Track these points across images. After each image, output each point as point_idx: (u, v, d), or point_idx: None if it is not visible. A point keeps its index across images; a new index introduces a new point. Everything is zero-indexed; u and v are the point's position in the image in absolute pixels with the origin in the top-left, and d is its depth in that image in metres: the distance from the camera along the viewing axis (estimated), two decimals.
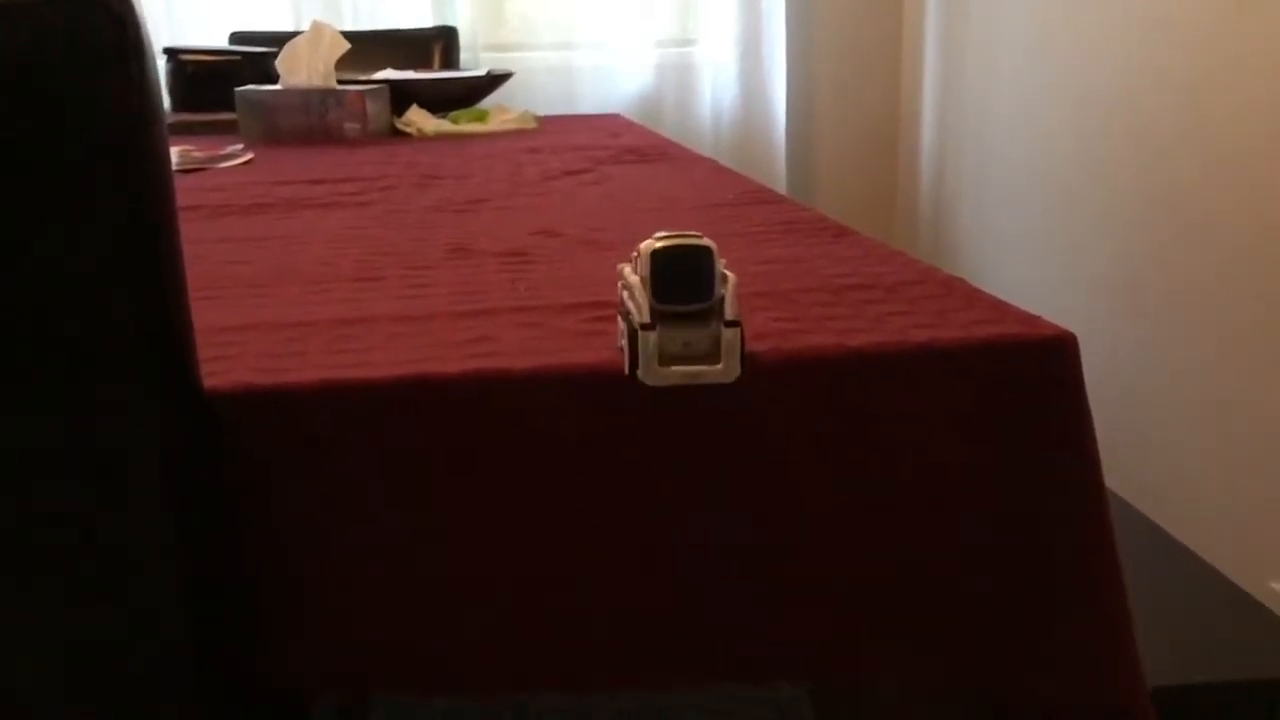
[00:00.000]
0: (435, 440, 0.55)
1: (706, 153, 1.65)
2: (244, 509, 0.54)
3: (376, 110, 1.75)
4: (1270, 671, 0.87)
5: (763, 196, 1.07)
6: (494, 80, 1.93)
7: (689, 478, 0.57)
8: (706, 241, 0.53)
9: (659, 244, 0.53)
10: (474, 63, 2.48)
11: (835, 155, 2.77)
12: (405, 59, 2.18)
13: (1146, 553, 1.10)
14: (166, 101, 2.01)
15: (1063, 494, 0.59)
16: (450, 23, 2.47)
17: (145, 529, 0.50)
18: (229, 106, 1.78)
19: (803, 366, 0.57)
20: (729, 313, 0.53)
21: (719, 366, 0.53)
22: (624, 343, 0.55)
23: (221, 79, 1.89)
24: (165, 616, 0.51)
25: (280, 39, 1.84)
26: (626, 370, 0.53)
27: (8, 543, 0.48)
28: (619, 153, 1.50)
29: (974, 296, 0.67)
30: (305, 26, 1.84)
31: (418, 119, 1.80)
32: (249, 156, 1.52)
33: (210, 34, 2.41)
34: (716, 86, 2.62)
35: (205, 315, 0.67)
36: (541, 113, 2.08)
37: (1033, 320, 0.61)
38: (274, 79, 1.79)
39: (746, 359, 0.54)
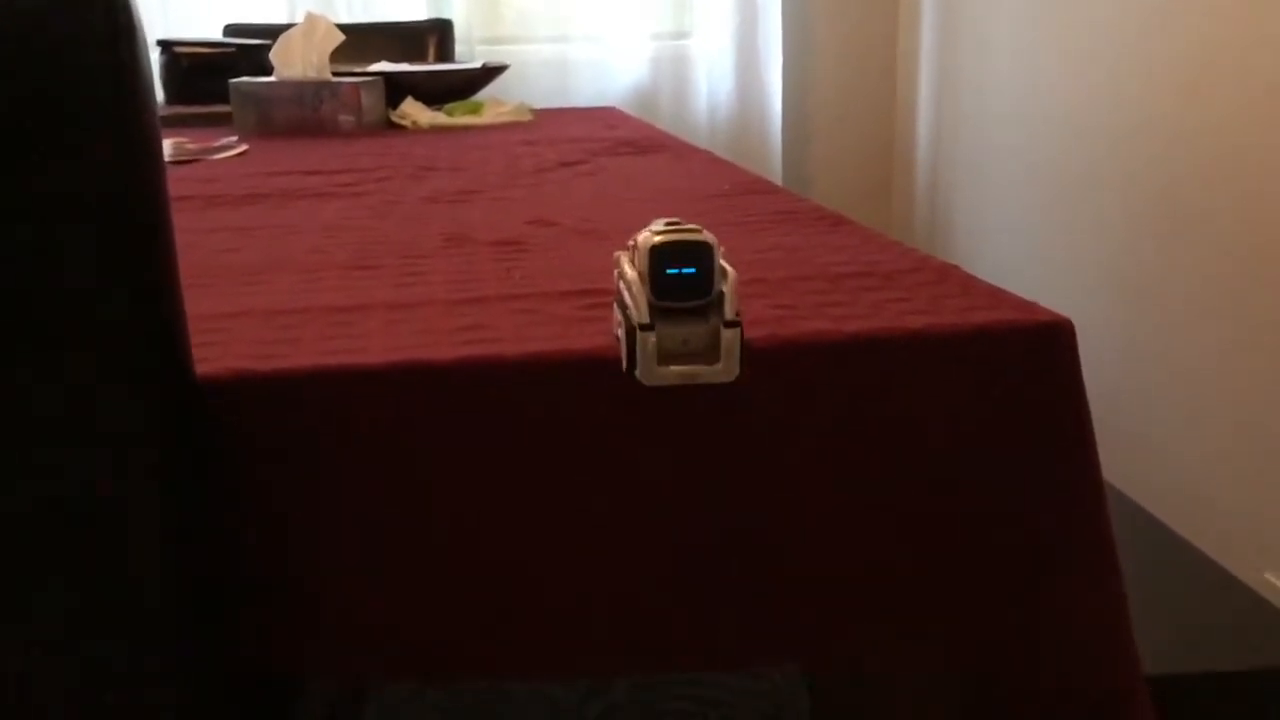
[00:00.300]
0: (430, 426, 0.54)
1: (702, 146, 1.65)
2: (236, 496, 0.54)
3: (371, 102, 1.74)
4: (1266, 661, 0.87)
5: (759, 187, 1.07)
6: (489, 73, 1.92)
7: (684, 463, 0.57)
8: (706, 236, 0.52)
9: (658, 238, 0.52)
10: (469, 55, 2.47)
11: (831, 148, 2.77)
12: (400, 51, 2.17)
13: (1141, 543, 1.10)
14: (161, 94, 2.00)
15: (1059, 479, 0.59)
16: (445, 15, 2.46)
17: (135, 515, 0.49)
18: (223, 99, 1.77)
19: (799, 352, 0.57)
20: (729, 311, 0.52)
21: (718, 366, 0.52)
22: (620, 332, 0.54)
23: (216, 71, 1.89)
24: (155, 603, 0.51)
25: (275, 31, 1.84)
26: (624, 366, 0.53)
27: None
28: (614, 144, 1.50)
29: (970, 283, 0.66)
30: (299, 18, 1.83)
31: (412, 111, 1.79)
32: (243, 148, 1.51)
33: (204, 26, 2.40)
34: (712, 79, 2.62)
35: (197, 303, 0.67)
36: (537, 106, 2.08)
37: (1029, 306, 0.61)
38: (268, 71, 1.79)
39: (745, 357, 0.53)
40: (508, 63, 1.99)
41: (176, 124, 1.84)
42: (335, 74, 1.76)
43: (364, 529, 0.55)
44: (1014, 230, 2.29)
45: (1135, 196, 1.87)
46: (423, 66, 2.03)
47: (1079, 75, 2.04)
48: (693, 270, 0.51)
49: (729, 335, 0.52)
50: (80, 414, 0.47)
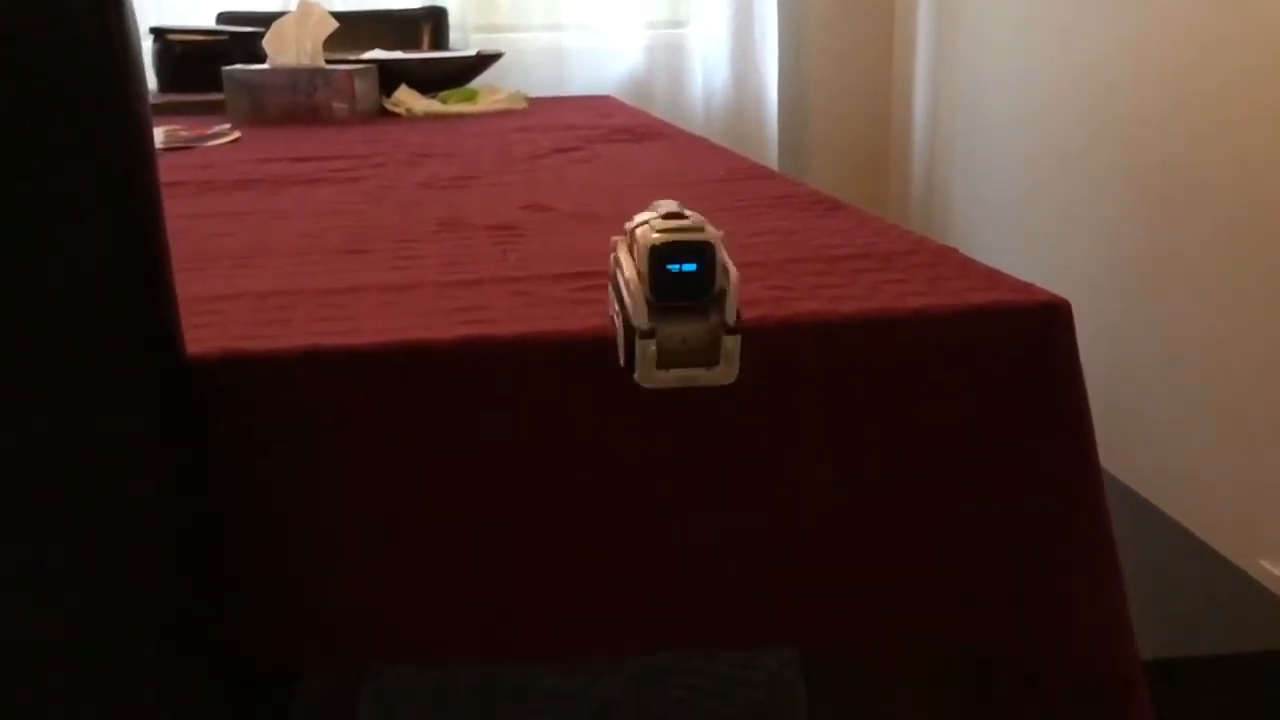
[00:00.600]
0: (424, 407, 0.54)
1: (698, 134, 1.65)
2: (228, 477, 0.54)
3: (365, 90, 1.74)
4: (1261, 644, 0.87)
5: (754, 172, 1.06)
6: (483, 60, 1.91)
7: (681, 445, 0.56)
8: (708, 235, 0.50)
9: (657, 236, 0.50)
10: (463, 43, 2.46)
11: (827, 136, 2.76)
12: (394, 39, 2.16)
13: (1136, 527, 1.10)
14: (153, 82, 1.99)
15: (1056, 461, 0.58)
16: (440, 3, 2.45)
17: (126, 496, 0.49)
18: (216, 87, 1.76)
19: (794, 333, 0.57)
20: (730, 315, 0.50)
21: (717, 369, 0.51)
22: (617, 322, 0.53)
23: (209, 59, 1.88)
24: (147, 585, 0.50)
25: (268, 18, 1.83)
26: (621, 361, 0.52)
27: None
28: (609, 132, 1.49)
29: (968, 265, 0.66)
30: (293, 6, 1.82)
31: (406, 99, 1.78)
32: (236, 135, 1.50)
33: (198, 14, 2.39)
34: (708, 68, 2.61)
35: (189, 286, 0.66)
36: (532, 94, 2.07)
37: (1027, 287, 0.61)
38: (262, 59, 1.78)
39: (744, 356, 0.52)
40: (502, 50, 1.99)
41: (170, 112, 1.83)
42: (329, 61, 1.75)
43: (357, 510, 0.54)
44: (1010, 215, 2.29)
45: (1132, 179, 1.86)
46: (417, 54, 2.02)
47: (1075, 57, 2.03)
48: (694, 268, 0.50)
49: (729, 342, 0.51)
50: (65, 393, 0.47)
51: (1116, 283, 1.89)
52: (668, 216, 0.52)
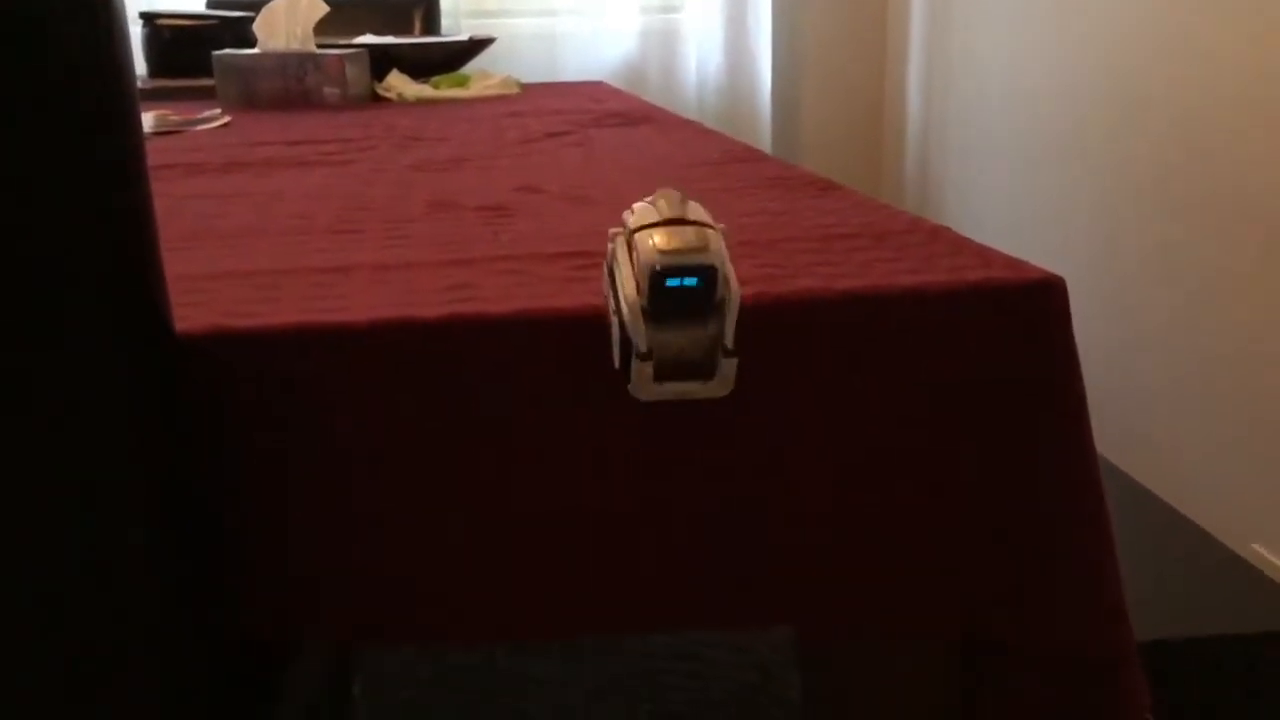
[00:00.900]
0: (416, 385, 0.54)
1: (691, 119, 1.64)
2: (218, 454, 0.53)
3: (356, 74, 1.73)
4: (1253, 626, 0.87)
5: (749, 155, 1.06)
6: (475, 45, 1.90)
7: (674, 422, 0.56)
8: (711, 255, 0.48)
9: (660, 258, 0.47)
10: (455, 29, 2.45)
11: (821, 122, 2.76)
12: (385, 24, 2.15)
13: (1129, 511, 1.11)
14: (143, 67, 1.98)
15: (1051, 438, 0.58)
16: None
17: (115, 474, 0.48)
18: (206, 72, 1.75)
19: (788, 311, 0.56)
20: (728, 338, 0.49)
21: (712, 383, 0.50)
22: (612, 317, 0.51)
23: (199, 43, 1.86)
24: (136, 564, 0.50)
25: (258, 3, 1.81)
26: (616, 364, 0.51)
27: None
28: (602, 116, 1.48)
29: (962, 244, 0.66)
30: None
31: (398, 84, 1.77)
32: (226, 120, 1.49)
33: None
34: (701, 53, 2.60)
35: (178, 266, 0.66)
36: (524, 80, 2.06)
37: (1021, 265, 0.60)
38: (252, 43, 1.77)
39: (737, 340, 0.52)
40: (494, 36, 1.98)
41: (159, 97, 1.81)
42: (319, 46, 1.74)
43: (348, 487, 0.54)
44: (1004, 200, 2.29)
45: (1126, 163, 1.86)
46: (409, 39, 2.01)
47: (1070, 41, 2.03)
48: (694, 282, 0.48)
49: (727, 365, 0.50)
50: (53, 370, 0.46)
51: (1111, 267, 1.89)
52: (670, 222, 0.49)
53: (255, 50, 1.74)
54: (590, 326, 0.55)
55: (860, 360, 0.57)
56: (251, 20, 1.76)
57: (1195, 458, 1.66)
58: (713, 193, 0.86)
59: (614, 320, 0.51)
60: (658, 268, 0.47)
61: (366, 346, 0.53)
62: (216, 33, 1.90)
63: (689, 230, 0.49)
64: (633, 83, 2.54)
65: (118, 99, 0.47)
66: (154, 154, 1.18)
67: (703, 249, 0.48)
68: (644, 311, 0.48)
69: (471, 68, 1.94)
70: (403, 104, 1.72)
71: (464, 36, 1.95)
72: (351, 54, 1.72)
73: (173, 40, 1.93)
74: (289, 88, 1.70)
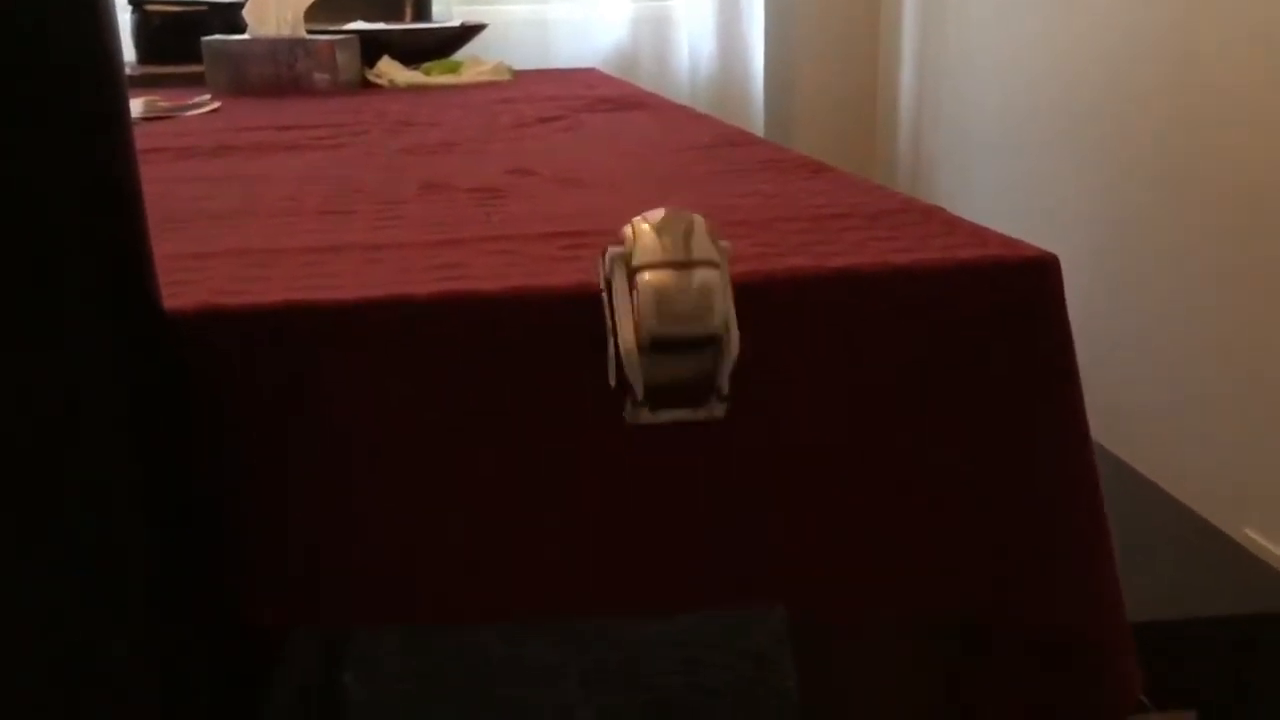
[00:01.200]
0: (406, 363, 0.53)
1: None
2: (207, 434, 0.53)
3: (346, 60, 1.72)
4: (1246, 607, 0.87)
5: (741, 138, 1.06)
6: (467, 31, 1.90)
7: None
8: (714, 322, 0.47)
9: (658, 325, 0.47)
10: (447, 15, 2.43)
11: (814, 109, 2.75)
12: (377, 10, 2.14)
13: (1121, 494, 1.11)
14: (132, 54, 1.97)
15: (1046, 417, 0.58)
16: None
17: (102, 454, 0.48)
18: (195, 58, 1.74)
19: (780, 289, 0.56)
20: (723, 383, 0.49)
21: (704, 410, 0.50)
22: (609, 342, 0.51)
23: (188, 30, 1.85)
24: (125, 545, 0.49)
25: None
26: (611, 383, 0.51)
27: None
28: (594, 102, 1.48)
29: (955, 223, 0.66)
30: None
31: (389, 70, 1.77)
32: (215, 105, 1.48)
33: None
34: (693, 40, 2.59)
35: (166, 245, 0.65)
36: (515, 67, 2.05)
37: (1015, 243, 0.60)
38: (242, 29, 1.76)
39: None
40: (486, 22, 1.97)
41: (148, 84, 1.80)
42: (310, 32, 1.73)
43: (338, 465, 0.53)
44: (998, 187, 2.29)
45: (1121, 148, 1.86)
46: (400, 25, 2.00)
47: (1066, 20, 2.03)
48: (694, 375, 0.48)
49: (719, 407, 0.50)
50: (40, 348, 0.46)
51: (1105, 252, 1.89)
52: (675, 265, 0.47)
53: (245, 36, 1.73)
54: (582, 305, 0.54)
55: (854, 337, 0.57)
56: (241, 6, 1.75)
57: (1187, 443, 1.66)
58: (705, 175, 0.86)
59: (611, 340, 0.50)
60: (657, 335, 0.47)
61: (357, 323, 0.53)
62: (206, 19, 1.89)
63: (693, 290, 0.48)
64: (625, 70, 2.53)
65: (101, 65, 0.46)
66: (143, 138, 1.17)
67: (706, 313, 0.47)
68: (642, 361, 0.48)
69: (463, 54, 1.93)
70: (394, 90, 1.71)
71: (456, 23, 1.94)
72: (342, 40, 1.71)
73: (162, 26, 1.92)
74: (279, 74, 1.69)
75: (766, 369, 0.56)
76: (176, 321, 0.52)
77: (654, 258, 0.48)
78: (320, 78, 1.69)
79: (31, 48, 0.44)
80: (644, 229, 0.49)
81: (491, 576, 0.56)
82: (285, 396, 0.53)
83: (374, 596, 0.56)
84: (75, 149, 0.45)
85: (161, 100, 1.53)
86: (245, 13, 1.73)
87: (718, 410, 0.50)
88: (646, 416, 0.50)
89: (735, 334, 0.49)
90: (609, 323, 0.50)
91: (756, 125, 2.61)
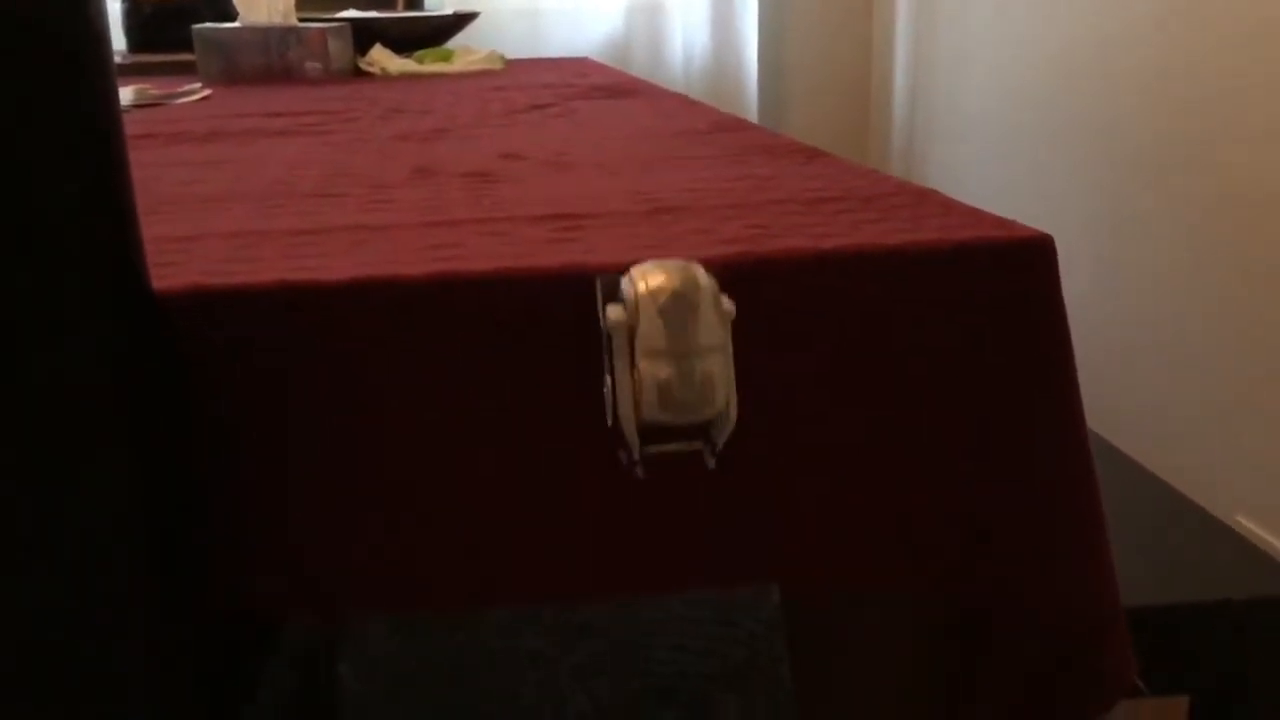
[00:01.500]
0: (397, 344, 0.53)
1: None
2: (197, 417, 0.52)
3: (338, 49, 1.71)
4: (1240, 592, 0.87)
5: (735, 125, 1.05)
6: (459, 20, 1.89)
7: None
8: (714, 408, 0.48)
9: (658, 413, 0.47)
10: (439, 3, 2.42)
11: (807, 99, 2.75)
12: None
13: (1114, 480, 1.11)
14: (122, 42, 1.96)
15: (1041, 397, 0.58)
16: None
17: (90, 436, 0.47)
18: (187, 47, 1.73)
19: (774, 269, 0.56)
20: (710, 456, 0.50)
21: (697, 446, 0.51)
22: (605, 380, 0.51)
23: (179, 18, 1.84)
24: (114, 529, 0.49)
25: None
26: (609, 422, 0.51)
27: None
28: (587, 90, 1.47)
29: (949, 205, 0.65)
30: None
31: (381, 58, 1.76)
32: (206, 93, 1.48)
33: None
34: (687, 30, 2.59)
35: (156, 228, 0.65)
36: (508, 56, 2.04)
37: (1009, 224, 0.60)
38: (233, 17, 1.75)
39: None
40: (478, 10, 1.96)
41: (139, 73, 1.79)
42: (302, 20, 1.72)
43: (329, 446, 0.53)
44: (990, 180, 2.28)
45: (1115, 135, 1.86)
46: (392, 13, 1.99)
47: (1060, 8, 2.02)
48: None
49: (710, 459, 0.51)
50: (26, 328, 0.45)
51: (1098, 239, 1.89)
52: (678, 356, 0.47)
53: (236, 24, 1.72)
54: (574, 285, 0.54)
55: (848, 318, 0.56)
56: None
57: (1179, 430, 1.66)
58: (699, 160, 0.86)
59: (608, 378, 0.50)
60: (657, 422, 0.48)
61: (347, 304, 0.52)
62: (196, 7, 1.88)
63: (695, 383, 0.48)
64: (618, 60, 2.52)
65: (90, 46, 0.46)
66: (133, 125, 1.17)
67: (707, 404, 0.48)
68: (639, 433, 0.48)
69: (455, 43, 1.92)
70: (386, 78, 1.70)
71: (448, 11, 1.93)
72: (334, 28, 1.71)
73: (153, 15, 1.91)
74: (271, 62, 1.68)
75: (760, 348, 0.56)
76: (165, 303, 0.51)
77: (657, 344, 0.48)
78: (312, 66, 1.68)
79: (18, 35, 0.43)
80: (646, 300, 0.48)
81: (488, 560, 0.55)
82: (275, 378, 0.53)
83: (369, 582, 0.56)
84: (63, 135, 0.45)
85: (152, 88, 1.52)
86: (236, 1, 1.72)
87: (709, 461, 0.51)
88: (644, 453, 0.51)
89: (734, 406, 0.49)
90: (607, 363, 0.50)
91: (750, 115, 2.60)
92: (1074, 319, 0.59)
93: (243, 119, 1.19)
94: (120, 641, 0.51)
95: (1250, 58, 1.52)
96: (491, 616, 0.66)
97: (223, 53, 1.69)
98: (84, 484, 0.48)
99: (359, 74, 1.75)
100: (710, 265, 0.55)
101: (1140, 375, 1.77)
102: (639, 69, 2.53)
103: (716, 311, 0.49)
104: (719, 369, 0.48)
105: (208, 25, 1.71)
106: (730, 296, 0.54)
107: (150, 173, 0.86)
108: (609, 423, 0.50)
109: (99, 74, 0.46)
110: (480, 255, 0.57)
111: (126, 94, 1.41)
